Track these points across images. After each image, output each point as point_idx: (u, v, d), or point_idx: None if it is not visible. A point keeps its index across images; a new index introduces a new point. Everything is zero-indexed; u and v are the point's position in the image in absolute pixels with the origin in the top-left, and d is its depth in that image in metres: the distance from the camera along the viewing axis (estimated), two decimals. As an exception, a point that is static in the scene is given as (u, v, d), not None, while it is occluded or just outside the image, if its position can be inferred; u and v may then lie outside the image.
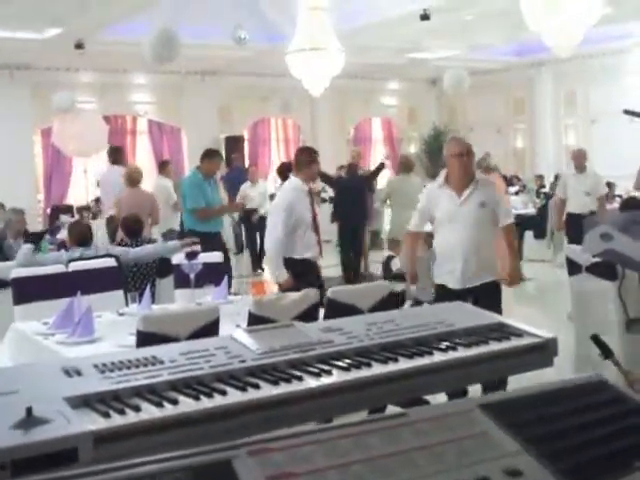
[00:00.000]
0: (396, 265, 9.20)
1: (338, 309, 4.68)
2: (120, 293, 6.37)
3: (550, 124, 20.31)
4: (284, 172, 10.12)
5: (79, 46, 13.54)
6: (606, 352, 2.84)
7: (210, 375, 1.90)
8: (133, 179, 9.67)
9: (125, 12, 12.32)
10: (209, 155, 8.98)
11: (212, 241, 8.47)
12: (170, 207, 11.09)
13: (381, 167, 11.86)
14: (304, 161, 6.56)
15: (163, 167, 12.26)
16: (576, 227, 8.95)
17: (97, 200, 16.20)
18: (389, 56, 17.36)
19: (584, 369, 5.10)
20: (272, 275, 6.53)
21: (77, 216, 15.11)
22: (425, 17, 12.78)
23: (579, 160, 10.42)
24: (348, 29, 13.09)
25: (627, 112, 3.24)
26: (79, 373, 1.93)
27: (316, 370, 1.93)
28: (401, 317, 2.27)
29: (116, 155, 11.13)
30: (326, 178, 11.41)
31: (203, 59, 16.19)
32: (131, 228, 7.65)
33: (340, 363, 1.96)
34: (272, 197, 10.02)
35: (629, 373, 3.08)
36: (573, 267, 6.25)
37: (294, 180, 6.55)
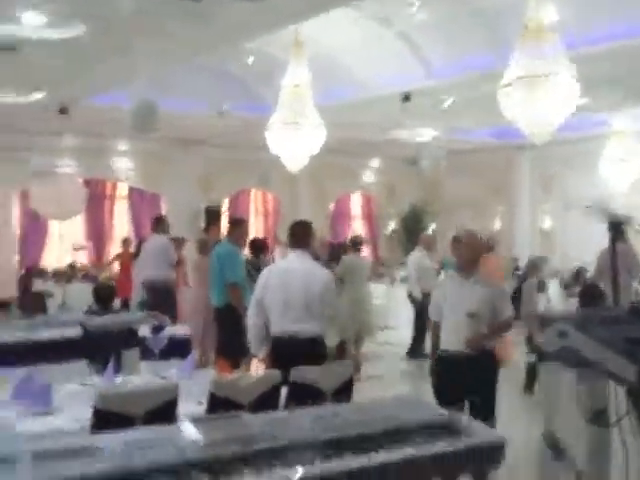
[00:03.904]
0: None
1: (300, 390, 4.66)
2: (84, 363, 6.28)
3: (527, 207, 20.55)
4: (257, 249, 9.89)
5: (63, 111, 13.62)
6: (557, 453, 2.81)
7: (146, 468, 1.86)
8: None
9: (109, 81, 12.44)
10: (238, 223, 8.55)
11: None
12: (168, 266, 10.67)
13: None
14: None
15: (159, 223, 11.27)
16: (446, 381, 5.61)
17: (72, 265, 16.12)
18: (369, 134, 17.59)
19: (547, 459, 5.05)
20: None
21: (51, 281, 14.98)
22: (406, 99, 13.03)
23: (467, 252, 5.89)
24: (330, 105, 13.27)
25: (589, 209, 3.28)
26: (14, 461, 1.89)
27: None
28: (349, 411, 2.26)
29: (158, 225, 10.95)
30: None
31: (185, 129, 16.33)
32: (102, 296, 7.59)
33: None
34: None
35: (582, 472, 3.04)
36: (542, 354, 6.21)
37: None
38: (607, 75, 11.79)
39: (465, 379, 5.32)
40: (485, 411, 4.93)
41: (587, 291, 6.57)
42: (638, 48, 10.45)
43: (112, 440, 1.99)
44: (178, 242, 11.86)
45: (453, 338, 5.60)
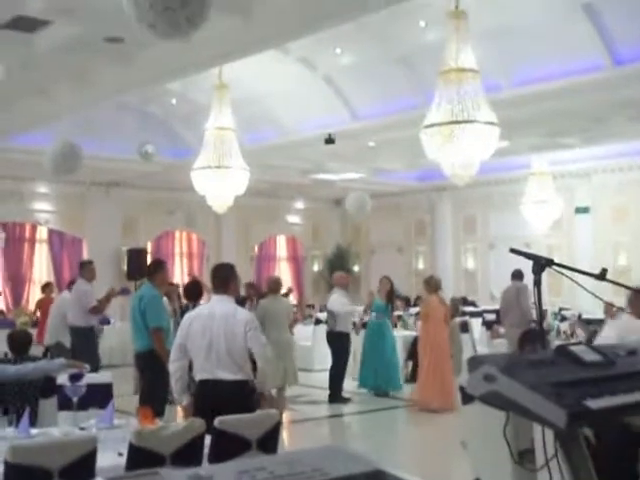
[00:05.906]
0: None
1: (225, 439, 4.52)
2: (-2, 414, 6.00)
3: (450, 247, 20.81)
4: (192, 293, 9.79)
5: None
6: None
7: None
8: None
9: (29, 122, 12.20)
10: (160, 266, 8.24)
11: None
12: (85, 312, 10.37)
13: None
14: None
15: (82, 268, 10.58)
16: None
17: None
18: (294, 176, 17.66)
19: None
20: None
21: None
22: (329, 141, 13.09)
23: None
24: (254, 148, 13.28)
25: (513, 251, 3.29)
26: None
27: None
28: (276, 464, 2.15)
29: (81, 269, 10.50)
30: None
31: (108, 171, 16.11)
32: (17, 344, 7.30)
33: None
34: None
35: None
36: (466, 396, 6.18)
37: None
38: (528, 118, 12.08)
39: None
40: None
41: (527, 335, 6.43)
42: (557, 91, 10.72)
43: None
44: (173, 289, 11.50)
45: None
